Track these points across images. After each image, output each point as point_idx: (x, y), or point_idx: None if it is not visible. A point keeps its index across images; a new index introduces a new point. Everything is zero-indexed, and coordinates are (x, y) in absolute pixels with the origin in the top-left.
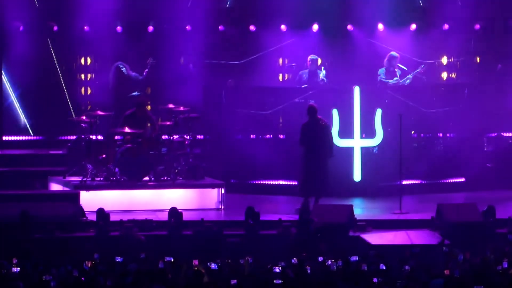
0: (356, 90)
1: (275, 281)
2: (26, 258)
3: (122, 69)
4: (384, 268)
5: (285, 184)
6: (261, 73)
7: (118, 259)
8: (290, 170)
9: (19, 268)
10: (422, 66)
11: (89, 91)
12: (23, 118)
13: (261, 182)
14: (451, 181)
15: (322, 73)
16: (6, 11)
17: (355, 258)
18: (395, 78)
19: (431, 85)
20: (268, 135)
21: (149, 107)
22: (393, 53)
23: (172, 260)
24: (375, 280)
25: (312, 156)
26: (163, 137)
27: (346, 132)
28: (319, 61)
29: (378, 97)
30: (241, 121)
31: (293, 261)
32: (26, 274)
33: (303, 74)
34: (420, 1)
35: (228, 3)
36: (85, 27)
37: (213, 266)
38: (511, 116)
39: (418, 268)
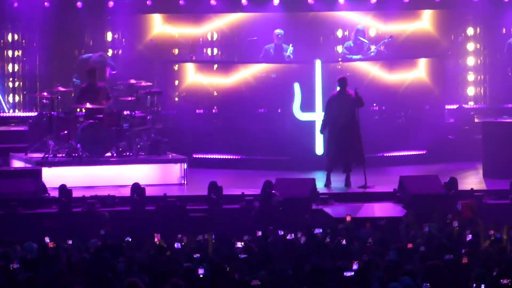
0: (318, 63)
1: (239, 255)
2: None
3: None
4: (345, 242)
5: (247, 158)
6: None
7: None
8: (252, 145)
9: None
10: (389, 38)
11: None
12: None
13: (224, 157)
14: (413, 153)
15: (290, 50)
16: None
17: (318, 230)
18: (360, 56)
19: (392, 57)
20: (230, 110)
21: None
22: (359, 26)
23: (130, 239)
24: None
25: (336, 128)
26: (125, 112)
27: (308, 106)
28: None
29: (339, 70)
30: (203, 96)
31: (258, 234)
32: None
33: (269, 49)
34: None
35: None
36: (15, 4)
37: (176, 245)
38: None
39: (381, 241)
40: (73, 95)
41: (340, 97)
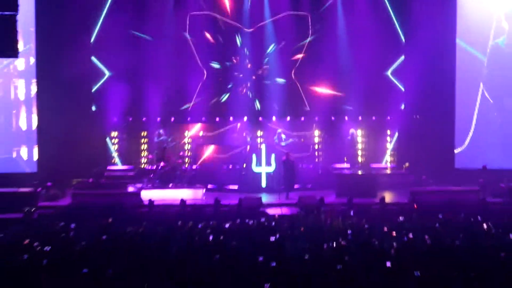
0: (263, 146)
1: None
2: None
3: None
4: (273, 225)
5: (231, 188)
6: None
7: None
8: (233, 182)
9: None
10: (291, 139)
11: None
12: (115, 156)
13: (223, 187)
14: (308, 186)
15: (248, 138)
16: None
17: (263, 219)
18: (283, 143)
19: (300, 142)
20: (229, 165)
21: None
22: (279, 129)
23: (180, 223)
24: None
25: (286, 175)
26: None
27: (259, 164)
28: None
29: (273, 148)
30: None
31: (237, 221)
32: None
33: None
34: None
35: None
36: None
37: (199, 226)
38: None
39: (292, 226)
40: (158, 147)
41: (286, 161)
